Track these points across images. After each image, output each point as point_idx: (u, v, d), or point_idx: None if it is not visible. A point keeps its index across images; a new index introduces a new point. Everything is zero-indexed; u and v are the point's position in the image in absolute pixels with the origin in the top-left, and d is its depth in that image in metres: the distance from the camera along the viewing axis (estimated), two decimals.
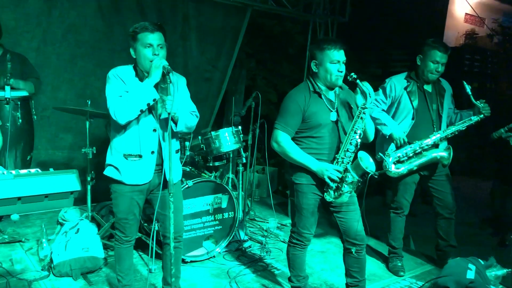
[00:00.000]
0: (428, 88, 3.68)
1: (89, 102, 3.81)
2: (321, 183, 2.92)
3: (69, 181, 2.03)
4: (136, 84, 2.70)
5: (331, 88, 2.96)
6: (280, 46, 7.58)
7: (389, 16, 7.64)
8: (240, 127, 4.36)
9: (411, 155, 3.59)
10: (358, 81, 2.84)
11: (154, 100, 2.68)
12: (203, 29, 5.73)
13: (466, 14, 10.25)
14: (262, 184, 6.12)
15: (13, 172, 2.02)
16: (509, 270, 3.45)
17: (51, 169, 2.14)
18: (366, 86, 2.83)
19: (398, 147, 3.61)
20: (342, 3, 6.32)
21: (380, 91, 3.75)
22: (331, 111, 2.93)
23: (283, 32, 7.36)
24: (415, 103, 3.62)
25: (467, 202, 6.06)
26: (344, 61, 2.87)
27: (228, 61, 6.17)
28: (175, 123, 2.81)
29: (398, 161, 3.57)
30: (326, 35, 6.21)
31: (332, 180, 2.83)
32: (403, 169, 3.57)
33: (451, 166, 3.71)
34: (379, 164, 3.03)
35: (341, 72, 2.86)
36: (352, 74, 2.84)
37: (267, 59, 7.60)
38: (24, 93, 3.77)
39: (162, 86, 2.80)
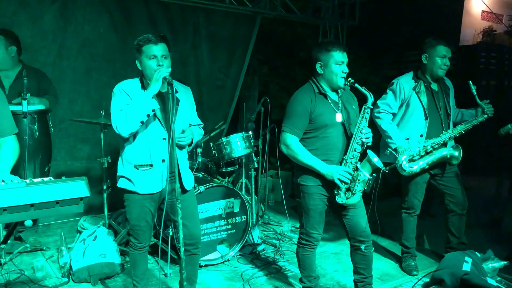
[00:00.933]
0: (434, 87, 3.70)
1: (103, 113, 3.94)
2: (327, 184, 2.98)
3: (78, 187, 2.12)
4: (136, 97, 2.78)
5: (334, 89, 3.03)
6: (291, 51, 7.64)
7: (404, 17, 7.61)
8: (250, 132, 4.43)
9: (423, 153, 3.59)
10: (356, 85, 2.94)
11: (153, 110, 2.76)
12: (213, 38, 5.85)
13: (483, 11, 10.11)
14: (276, 188, 6.17)
15: (27, 181, 2.13)
16: (507, 262, 3.46)
17: (63, 177, 2.24)
18: (364, 88, 2.93)
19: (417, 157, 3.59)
20: (352, 7, 6.35)
21: (390, 94, 3.73)
22: (336, 112, 2.99)
23: (294, 37, 7.43)
24: (425, 102, 3.63)
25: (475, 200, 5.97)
26: (347, 63, 2.96)
27: (239, 69, 6.26)
28: (188, 145, 2.93)
29: (410, 160, 3.58)
30: (336, 39, 6.25)
31: (343, 182, 2.88)
32: (416, 167, 3.58)
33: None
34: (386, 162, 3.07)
35: (345, 73, 2.95)
36: (350, 79, 2.94)
37: (279, 65, 7.67)
38: (40, 107, 3.91)
39: (169, 96, 2.91)
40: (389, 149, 3.59)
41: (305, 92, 3.03)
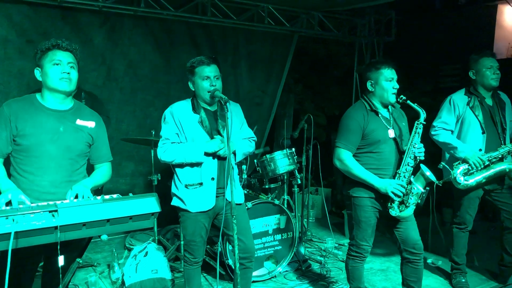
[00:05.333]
0: (489, 101, 3.69)
1: (153, 132, 4.06)
2: (379, 196, 3.02)
3: (150, 203, 2.21)
4: (190, 148, 2.91)
5: (385, 105, 3.11)
6: (326, 69, 7.70)
7: (437, 32, 7.59)
8: (293, 149, 4.48)
9: (480, 168, 3.55)
10: (409, 101, 3.03)
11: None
12: (252, 56, 5.97)
13: None
14: (316, 205, 6.18)
15: (98, 197, 2.23)
16: None
17: (130, 194, 2.33)
18: (416, 105, 3.02)
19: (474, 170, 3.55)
20: (387, 23, 6.40)
21: (444, 112, 3.73)
22: (388, 128, 3.05)
23: (328, 55, 7.48)
24: (480, 117, 3.61)
25: None
26: (397, 79, 3.04)
27: (276, 86, 6.36)
28: (234, 155, 3.00)
29: (466, 173, 3.56)
30: (372, 55, 6.30)
31: (396, 195, 2.91)
32: (472, 181, 3.55)
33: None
34: (439, 174, 3.08)
35: (395, 88, 3.04)
36: (402, 96, 3.03)
37: (314, 83, 7.73)
38: None
39: (221, 113, 3.01)
40: (442, 163, 3.59)
41: (358, 109, 3.11)
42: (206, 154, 2.91)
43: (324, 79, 7.70)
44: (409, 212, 2.98)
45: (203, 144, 2.90)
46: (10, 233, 1.88)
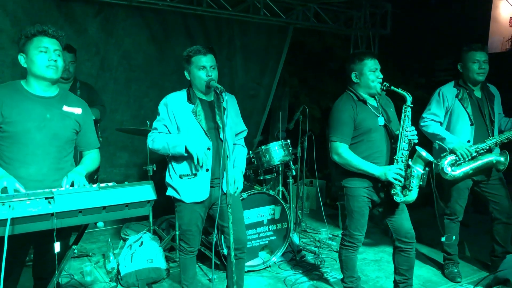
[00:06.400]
0: (477, 94, 3.72)
1: (148, 123, 4.06)
2: (372, 186, 3.07)
3: (146, 191, 2.22)
4: (176, 140, 2.90)
5: (372, 95, 3.15)
6: (321, 62, 7.70)
7: (432, 26, 7.62)
8: (288, 140, 4.50)
9: (467, 159, 3.60)
10: (393, 87, 3.05)
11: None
12: (247, 49, 5.97)
13: (511, 18, 10.03)
14: (310, 196, 6.21)
15: (94, 185, 2.23)
16: None
17: (126, 182, 2.34)
18: (401, 89, 3.05)
19: (462, 161, 3.60)
20: (383, 16, 6.40)
21: (433, 104, 3.79)
22: (378, 116, 3.08)
23: (324, 48, 7.48)
24: (469, 109, 3.65)
25: None
26: (380, 69, 3.10)
27: (272, 78, 6.37)
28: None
29: (453, 164, 3.60)
30: (368, 48, 6.29)
31: (398, 181, 2.95)
32: (459, 171, 3.60)
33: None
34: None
35: (380, 78, 3.09)
36: (385, 83, 3.06)
37: (309, 76, 7.73)
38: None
39: (218, 103, 3.01)
40: (436, 142, 3.65)
41: (346, 101, 3.14)
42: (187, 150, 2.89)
43: (319, 72, 7.71)
44: (413, 195, 3.01)
45: (188, 140, 2.87)
46: (6, 219, 1.89)
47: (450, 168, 3.58)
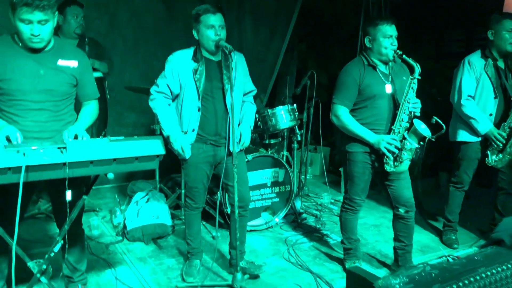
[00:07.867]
0: (501, 64, 3.64)
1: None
2: (373, 152, 3.09)
3: (155, 145, 2.28)
4: (166, 123, 2.96)
5: (384, 62, 3.11)
6: (331, 28, 7.60)
7: None
8: (295, 105, 4.51)
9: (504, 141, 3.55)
10: (404, 56, 3.01)
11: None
12: (257, 11, 5.91)
13: None
14: (314, 162, 6.27)
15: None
16: None
17: (135, 136, 2.40)
18: (411, 59, 3.01)
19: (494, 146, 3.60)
20: None
21: (466, 76, 3.62)
22: (386, 83, 3.07)
23: (334, 14, 7.38)
24: (494, 81, 3.59)
25: None
26: (396, 36, 3.04)
27: (280, 43, 6.31)
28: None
29: (496, 153, 3.61)
30: (379, 15, 6.21)
31: (390, 151, 2.97)
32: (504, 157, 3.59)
33: None
34: (435, 129, 3.14)
35: (394, 45, 3.03)
36: (398, 51, 3.01)
37: (318, 42, 7.65)
38: (99, 74, 4.08)
39: (225, 63, 3.02)
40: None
41: (355, 65, 3.13)
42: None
43: (328, 38, 7.62)
44: (403, 167, 3.03)
45: (173, 131, 2.94)
46: (21, 166, 1.96)
47: (496, 156, 3.61)
